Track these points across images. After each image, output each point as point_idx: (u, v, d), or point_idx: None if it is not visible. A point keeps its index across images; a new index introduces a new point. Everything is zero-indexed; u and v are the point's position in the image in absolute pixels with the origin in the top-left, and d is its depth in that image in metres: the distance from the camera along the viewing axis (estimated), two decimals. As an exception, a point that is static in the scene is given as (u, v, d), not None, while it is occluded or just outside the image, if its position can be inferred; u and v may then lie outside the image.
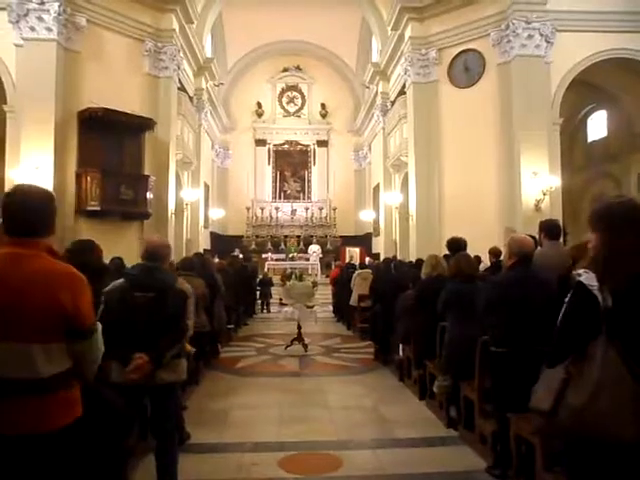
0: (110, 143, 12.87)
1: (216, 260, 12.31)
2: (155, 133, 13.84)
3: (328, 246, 23.78)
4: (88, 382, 2.33)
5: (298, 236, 24.09)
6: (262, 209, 25.15)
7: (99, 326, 2.32)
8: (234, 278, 11.45)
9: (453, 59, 14.14)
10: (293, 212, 25.04)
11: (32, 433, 2.10)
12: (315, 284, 10.14)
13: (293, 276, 9.98)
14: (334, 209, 25.13)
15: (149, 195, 13.14)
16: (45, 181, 10.99)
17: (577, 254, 3.60)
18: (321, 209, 25.31)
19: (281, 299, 13.28)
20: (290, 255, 21.98)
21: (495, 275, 5.60)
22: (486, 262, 8.24)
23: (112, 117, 12.39)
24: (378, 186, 20.60)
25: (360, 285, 11.27)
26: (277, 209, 24.92)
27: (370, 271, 11.38)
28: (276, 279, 15.31)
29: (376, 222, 21.55)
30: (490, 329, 4.20)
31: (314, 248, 23.17)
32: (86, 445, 2.31)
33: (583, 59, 12.82)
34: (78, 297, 2.18)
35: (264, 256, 22.00)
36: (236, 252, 19.06)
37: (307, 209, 25.12)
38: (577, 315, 2.06)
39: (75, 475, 2.25)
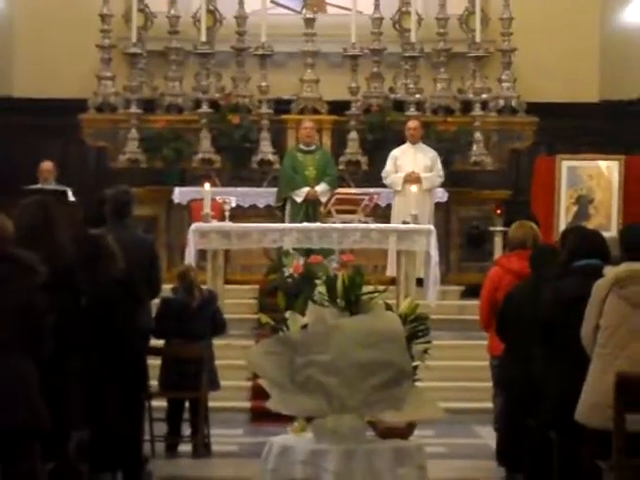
0: None
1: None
2: None
3: (476, 156, 6.86)
4: None
5: (339, 106, 7.05)
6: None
7: None
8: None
9: None
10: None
11: None
12: (421, 324, 2.60)
13: (321, 280, 3.35)
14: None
15: None
16: None
17: None
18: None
19: (257, 398, 4.20)
20: (302, 193, 6.04)
21: None
22: None
23: None
24: None
25: (629, 332, 2.29)
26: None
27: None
28: (241, 302, 5.61)
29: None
30: None
31: (410, 159, 6.31)
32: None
33: None
34: None
35: (176, 191, 6.58)
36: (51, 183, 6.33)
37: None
38: None
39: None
